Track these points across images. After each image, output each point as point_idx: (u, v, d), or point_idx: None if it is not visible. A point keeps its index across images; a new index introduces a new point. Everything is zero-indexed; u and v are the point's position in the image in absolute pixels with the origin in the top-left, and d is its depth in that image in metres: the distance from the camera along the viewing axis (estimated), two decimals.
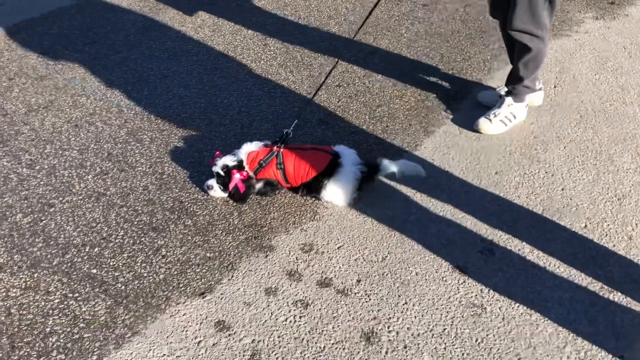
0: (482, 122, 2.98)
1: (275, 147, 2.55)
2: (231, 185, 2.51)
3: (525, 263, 2.31)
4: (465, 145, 2.92)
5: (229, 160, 2.53)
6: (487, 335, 2.04)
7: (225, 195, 2.57)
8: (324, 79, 2.89)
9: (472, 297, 2.18)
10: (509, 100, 2.99)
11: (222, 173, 2.51)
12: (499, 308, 2.14)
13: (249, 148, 2.59)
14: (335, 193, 2.53)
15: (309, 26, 3.97)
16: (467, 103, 3.23)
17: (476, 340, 2.03)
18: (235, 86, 3.35)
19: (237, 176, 2.49)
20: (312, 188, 2.56)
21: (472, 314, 2.12)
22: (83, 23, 3.97)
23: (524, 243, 2.39)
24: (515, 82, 2.96)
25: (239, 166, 2.52)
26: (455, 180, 2.70)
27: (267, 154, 2.53)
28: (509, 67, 3.01)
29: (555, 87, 3.35)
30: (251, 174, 2.53)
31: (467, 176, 2.73)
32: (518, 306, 2.14)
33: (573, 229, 2.45)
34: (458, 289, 2.21)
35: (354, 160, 2.55)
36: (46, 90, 3.30)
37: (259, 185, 2.57)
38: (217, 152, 2.60)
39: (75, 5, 4.19)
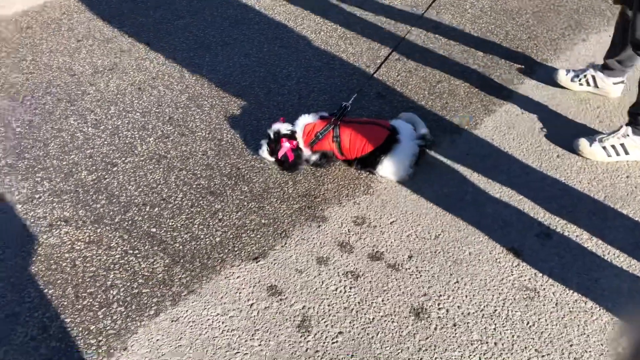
0: (582, 143, 2.65)
1: (332, 120, 2.56)
2: (280, 153, 2.54)
3: (582, 250, 2.25)
4: (527, 126, 2.84)
5: (283, 127, 2.56)
6: (538, 319, 2.02)
7: (272, 159, 2.60)
8: (387, 54, 2.86)
9: (525, 280, 2.15)
10: (626, 129, 2.59)
11: (272, 136, 2.54)
12: (553, 293, 2.10)
13: (306, 120, 2.60)
14: (391, 169, 2.52)
15: None
16: (531, 83, 3.13)
17: (527, 324, 2.00)
18: (295, 56, 3.36)
19: (286, 145, 2.52)
20: (368, 162, 2.55)
21: (524, 297, 2.09)
22: None
23: (583, 230, 2.33)
24: (634, 107, 2.60)
25: (291, 136, 2.54)
26: (514, 162, 2.64)
27: (324, 127, 2.54)
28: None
29: None
30: (302, 145, 2.55)
31: (527, 158, 2.66)
32: (573, 293, 2.10)
33: (636, 218, 2.37)
34: (512, 271, 2.18)
35: (411, 135, 2.53)
36: (112, 52, 3.39)
37: (314, 158, 2.59)
38: (282, 118, 2.63)
39: None
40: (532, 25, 3.61)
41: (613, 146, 2.60)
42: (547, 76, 3.14)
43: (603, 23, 3.63)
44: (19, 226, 2.36)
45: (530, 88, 3.09)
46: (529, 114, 2.91)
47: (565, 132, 2.78)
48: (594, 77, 2.97)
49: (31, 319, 2.03)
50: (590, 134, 2.73)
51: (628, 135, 2.58)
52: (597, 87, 2.97)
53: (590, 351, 1.92)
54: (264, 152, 2.61)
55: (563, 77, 3.02)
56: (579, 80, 2.99)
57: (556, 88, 3.06)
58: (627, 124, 2.61)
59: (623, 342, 1.94)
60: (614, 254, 2.23)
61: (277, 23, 3.65)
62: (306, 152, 2.59)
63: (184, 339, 1.97)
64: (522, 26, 3.61)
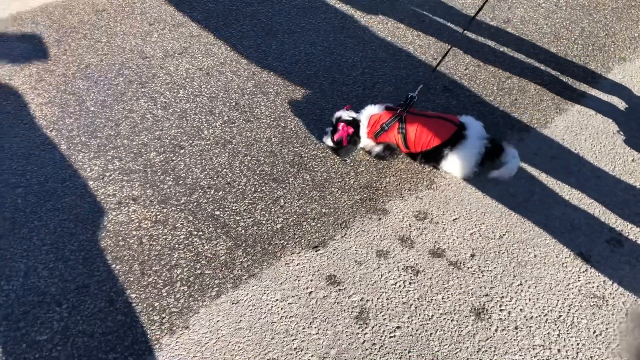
0: None
1: (399, 111, 2.53)
2: (336, 136, 2.54)
3: None
4: (601, 127, 2.72)
5: (345, 114, 2.56)
6: (606, 328, 1.95)
7: (332, 144, 2.63)
8: (448, 49, 2.79)
9: (593, 287, 2.07)
10: None
11: (333, 121, 2.54)
12: (623, 303, 2.02)
13: (372, 110, 2.58)
14: (455, 165, 2.47)
15: None
16: (607, 82, 3.00)
17: (594, 332, 1.94)
18: (361, 47, 3.33)
19: (343, 129, 2.53)
20: (432, 157, 2.51)
21: (592, 304, 2.02)
22: None
23: None
24: None
25: (351, 122, 2.53)
26: (585, 164, 2.55)
27: (389, 118, 2.52)
28: None
29: None
30: (365, 136, 2.55)
31: (599, 161, 2.56)
32: None
33: None
34: (579, 277, 2.10)
35: (480, 133, 2.47)
36: (182, 37, 3.46)
37: (377, 149, 2.57)
38: (347, 106, 2.63)
39: None
40: (610, 22, 3.46)
41: None
42: (625, 76, 3.00)
43: None
44: (90, 202, 2.46)
45: (607, 87, 2.96)
46: (603, 115, 2.80)
47: None
48: None
49: (100, 292, 2.11)
50: None
51: None
52: None
53: None
54: (328, 139, 2.62)
55: None
56: None
57: (634, 89, 2.92)
58: None
59: None
60: None
61: (343, 12, 3.63)
62: (370, 143, 2.58)
63: (243, 321, 2.01)
64: (599, 23, 3.46)
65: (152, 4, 3.77)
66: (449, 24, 3.49)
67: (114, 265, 2.20)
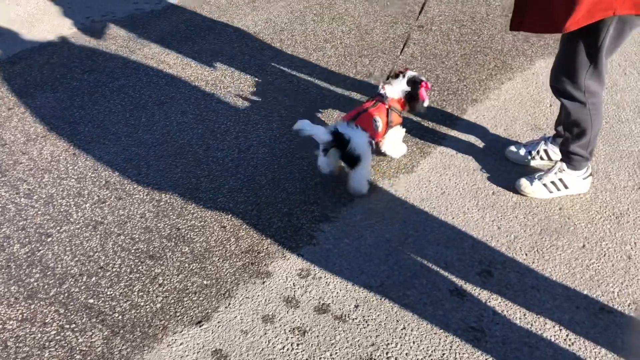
0: (523, 183, 2.70)
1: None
2: (422, 94, 2.83)
3: (524, 284, 2.30)
4: (462, 165, 2.92)
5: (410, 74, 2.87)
6: (487, 358, 2.03)
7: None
8: (407, 37, 2.89)
9: (471, 321, 2.16)
10: (560, 165, 2.66)
11: (407, 88, 2.83)
12: (497, 332, 2.12)
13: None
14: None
15: (296, 57, 4.00)
16: (463, 123, 3.23)
17: None
18: (233, 111, 3.37)
19: (426, 85, 2.84)
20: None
21: (471, 338, 2.10)
22: (82, 51, 4.02)
23: (522, 264, 2.38)
24: (563, 145, 2.65)
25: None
26: (452, 201, 2.70)
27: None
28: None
29: (551, 105, 3.36)
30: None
31: (464, 196, 2.72)
32: (519, 327, 2.12)
33: (570, 249, 2.44)
34: (456, 313, 2.19)
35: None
36: (45, 118, 3.32)
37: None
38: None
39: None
40: (461, 68, 3.76)
41: (553, 182, 2.66)
42: (479, 116, 3.26)
43: (526, 62, 3.82)
44: None
45: (464, 127, 3.19)
46: (463, 153, 3.00)
47: (499, 170, 2.87)
48: (546, 151, 2.88)
49: None
50: (522, 167, 2.83)
51: (564, 170, 2.65)
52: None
53: None
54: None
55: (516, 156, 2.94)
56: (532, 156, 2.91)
57: (487, 126, 3.18)
58: (560, 160, 2.68)
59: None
60: (552, 286, 2.28)
61: (213, 80, 3.67)
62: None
63: None
64: (451, 69, 3.75)
65: (11, 88, 3.60)
66: (316, 81, 3.63)
67: None
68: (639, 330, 2.11)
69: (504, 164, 2.92)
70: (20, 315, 2.22)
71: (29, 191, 2.81)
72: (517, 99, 3.43)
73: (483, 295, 2.26)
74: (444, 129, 3.19)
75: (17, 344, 2.11)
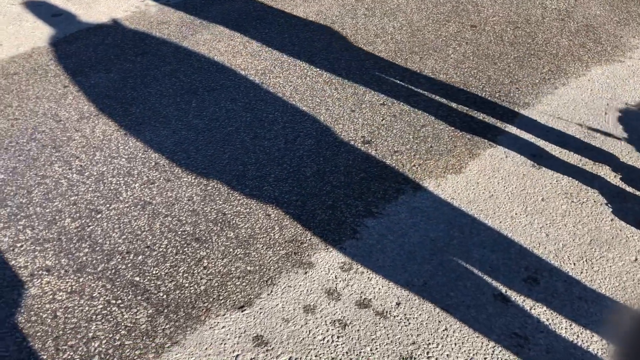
0: None
1: None
2: None
3: (571, 294, 2.25)
4: (512, 170, 2.87)
5: None
6: None
7: None
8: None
9: (514, 327, 2.13)
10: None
11: None
12: (542, 340, 2.08)
13: None
14: None
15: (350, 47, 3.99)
16: (514, 126, 3.18)
17: None
18: (281, 102, 3.38)
19: None
20: None
21: (514, 344, 2.07)
22: (129, 36, 4.09)
23: (569, 273, 2.33)
24: None
25: None
26: (500, 205, 2.66)
27: None
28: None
29: (606, 114, 3.27)
30: None
31: (512, 201, 2.68)
32: (561, 339, 2.08)
33: (621, 262, 2.38)
34: (500, 318, 2.16)
35: None
36: (98, 98, 3.39)
37: None
38: None
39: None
40: (513, 70, 3.69)
41: None
42: (529, 120, 3.19)
43: (582, 68, 3.72)
44: (0, 276, 2.31)
45: (514, 131, 3.14)
46: (513, 156, 2.95)
47: (548, 175, 2.81)
48: None
49: None
50: (579, 175, 2.77)
51: None
52: None
53: None
54: None
55: None
56: None
57: (538, 131, 3.11)
58: None
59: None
60: (601, 298, 2.22)
61: (263, 70, 3.69)
62: None
63: None
64: (503, 71, 3.69)
65: (66, 67, 3.69)
66: (365, 76, 3.62)
67: (24, 343, 2.06)
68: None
69: (559, 167, 2.85)
70: (70, 288, 2.28)
71: (81, 167, 2.88)
72: (571, 105, 3.35)
73: (528, 302, 2.22)
74: (494, 132, 3.14)
75: (65, 315, 2.17)
